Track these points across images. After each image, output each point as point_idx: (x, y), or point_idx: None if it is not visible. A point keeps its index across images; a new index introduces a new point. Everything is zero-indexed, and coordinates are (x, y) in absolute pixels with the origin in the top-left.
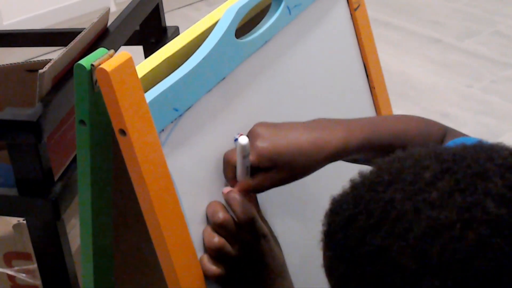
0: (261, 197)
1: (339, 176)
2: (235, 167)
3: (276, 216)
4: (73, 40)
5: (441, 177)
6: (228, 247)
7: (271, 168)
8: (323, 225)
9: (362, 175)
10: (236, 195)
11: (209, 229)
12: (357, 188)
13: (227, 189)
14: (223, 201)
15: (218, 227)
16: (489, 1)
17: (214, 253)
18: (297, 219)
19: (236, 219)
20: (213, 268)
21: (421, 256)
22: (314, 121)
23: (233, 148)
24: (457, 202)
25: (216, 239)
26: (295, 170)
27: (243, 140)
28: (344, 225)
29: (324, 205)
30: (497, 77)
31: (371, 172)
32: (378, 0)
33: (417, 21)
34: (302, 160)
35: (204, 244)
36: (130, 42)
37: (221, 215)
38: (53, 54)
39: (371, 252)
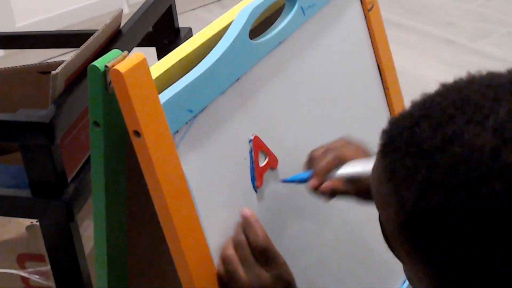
0: (276, 201)
1: None
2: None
3: (289, 220)
4: (86, 42)
5: None
6: (237, 266)
7: None
8: (381, 137)
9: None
10: (254, 220)
11: (231, 242)
12: (424, 98)
13: (246, 211)
14: (236, 203)
15: (237, 244)
16: (502, 2)
17: (223, 263)
18: (311, 222)
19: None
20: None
21: (498, 136)
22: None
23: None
24: None
25: (230, 252)
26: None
27: None
28: (414, 124)
29: (337, 207)
30: None
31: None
32: (391, 1)
33: (430, 22)
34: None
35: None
36: (143, 43)
37: (242, 236)
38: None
39: (444, 141)
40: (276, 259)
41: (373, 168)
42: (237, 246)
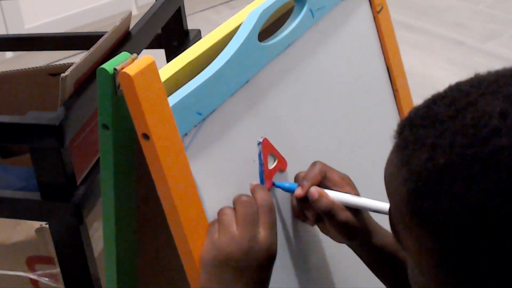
0: (284, 203)
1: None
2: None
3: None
4: (95, 44)
5: None
6: (214, 229)
7: None
8: (397, 125)
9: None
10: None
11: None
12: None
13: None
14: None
15: (218, 214)
16: (511, 3)
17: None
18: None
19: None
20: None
21: (508, 102)
22: None
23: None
24: None
25: (227, 209)
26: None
27: None
28: (430, 102)
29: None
30: None
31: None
32: (400, 2)
33: (439, 24)
34: None
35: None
36: (152, 45)
37: (226, 209)
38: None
39: (457, 110)
40: (274, 226)
41: (388, 159)
42: (240, 203)
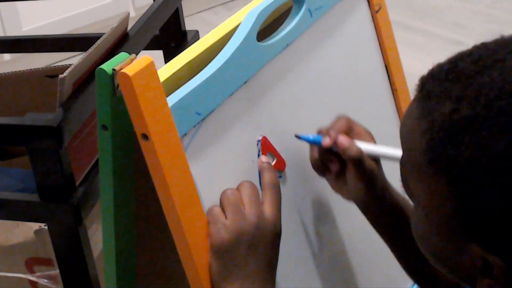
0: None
1: None
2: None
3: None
4: (93, 45)
5: None
6: (221, 213)
7: None
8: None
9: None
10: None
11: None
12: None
13: (265, 159)
14: None
15: (222, 197)
16: (510, 3)
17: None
18: (320, 223)
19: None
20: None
21: None
22: None
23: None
24: None
25: (215, 207)
26: None
27: None
28: (456, 59)
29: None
30: None
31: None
32: (399, 2)
33: (438, 23)
34: None
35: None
36: (150, 46)
37: (229, 190)
38: (73, 59)
39: (484, 67)
40: (279, 205)
41: (406, 112)
42: (243, 186)
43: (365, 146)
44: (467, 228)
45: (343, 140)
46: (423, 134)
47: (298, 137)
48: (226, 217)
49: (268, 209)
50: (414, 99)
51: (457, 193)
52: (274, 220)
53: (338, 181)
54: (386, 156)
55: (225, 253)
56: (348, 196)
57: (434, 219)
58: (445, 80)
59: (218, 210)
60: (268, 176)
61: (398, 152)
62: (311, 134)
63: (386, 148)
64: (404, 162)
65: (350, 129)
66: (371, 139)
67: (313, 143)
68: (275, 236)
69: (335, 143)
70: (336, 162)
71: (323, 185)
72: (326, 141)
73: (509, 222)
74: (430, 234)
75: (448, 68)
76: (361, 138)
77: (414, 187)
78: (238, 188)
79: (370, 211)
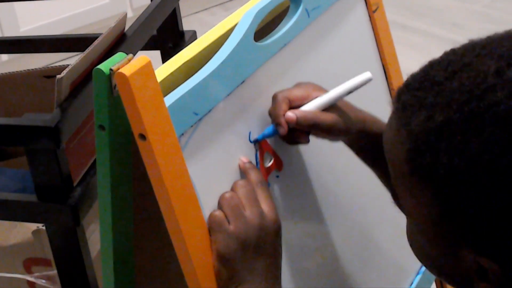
0: (281, 202)
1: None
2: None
3: (295, 221)
4: (91, 46)
5: None
6: (224, 220)
7: None
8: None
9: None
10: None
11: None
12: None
13: (245, 159)
14: None
15: (221, 202)
16: (507, 3)
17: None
18: (318, 223)
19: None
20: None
21: (503, 61)
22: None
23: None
24: None
25: (217, 212)
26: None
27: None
28: (427, 67)
29: (345, 207)
30: None
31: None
32: (396, 2)
33: (435, 23)
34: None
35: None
36: (148, 47)
37: (227, 193)
38: (70, 60)
39: (453, 72)
40: (272, 200)
41: (387, 125)
42: (238, 186)
43: (312, 105)
44: (456, 234)
45: (289, 117)
46: (402, 144)
47: (256, 140)
48: (229, 223)
49: (265, 207)
50: (392, 111)
51: (441, 200)
52: (273, 216)
53: (316, 134)
54: (339, 97)
55: (233, 260)
56: (333, 140)
57: (425, 228)
58: (418, 89)
59: (220, 215)
60: (253, 175)
61: (343, 88)
62: (265, 129)
63: (334, 91)
64: (391, 175)
65: (290, 101)
66: (314, 90)
67: (272, 136)
68: (277, 231)
69: (287, 124)
70: (303, 133)
71: (320, 185)
72: (282, 130)
73: (495, 223)
74: (423, 243)
75: (421, 77)
76: (305, 100)
77: (402, 198)
78: (233, 189)
79: (356, 149)
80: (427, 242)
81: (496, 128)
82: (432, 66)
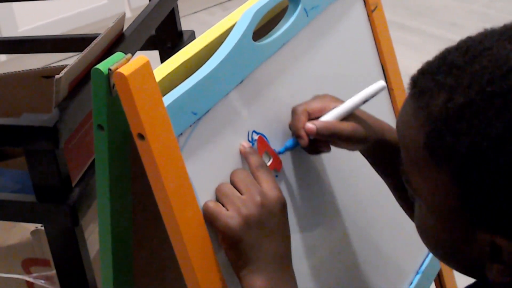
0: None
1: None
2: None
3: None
4: (89, 46)
5: None
6: (219, 207)
7: None
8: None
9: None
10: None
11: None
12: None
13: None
14: None
15: (216, 193)
16: (506, 2)
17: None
18: (317, 222)
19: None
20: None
21: None
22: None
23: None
24: None
25: (209, 203)
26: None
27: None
28: (445, 53)
29: (345, 207)
30: None
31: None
32: (394, 2)
33: (434, 23)
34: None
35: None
36: (146, 47)
37: (221, 184)
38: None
39: (474, 56)
40: (274, 180)
41: (401, 110)
42: (234, 174)
43: (331, 116)
44: (473, 216)
45: (309, 128)
46: (420, 128)
47: (278, 153)
48: (227, 210)
49: (266, 186)
50: (407, 98)
51: (460, 182)
52: (275, 194)
53: (336, 144)
54: (355, 106)
55: (238, 242)
56: (351, 149)
57: (439, 213)
58: (436, 74)
59: (214, 204)
60: (253, 159)
61: (360, 97)
62: (286, 142)
63: (350, 100)
64: (403, 161)
65: (310, 113)
66: (331, 102)
67: (295, 147)
68: (281, 207)
69: (308, 135)
70: (324, 143)
71: (319, 185)
72: (303, 142)
73: None
74: (436, 230)
75: (439, 63)
76: (323, 111)
77: (416, 184)
78: (231, 177)
79: (372, 159)
80: (440, 226)
81: None
82: (449, 52)
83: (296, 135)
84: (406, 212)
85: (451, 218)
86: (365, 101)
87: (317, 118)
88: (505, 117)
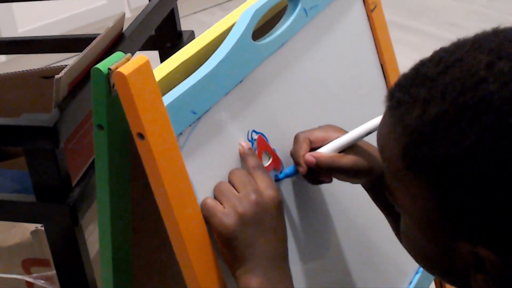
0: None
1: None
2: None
3: (294, 220)
4: (89, 46)
5: None
6: (216, 203)
7: None
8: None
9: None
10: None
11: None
12: None
13: (245, 144)
14: None
15: (214, 191)
16: (505, 2)
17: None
18: (317, 222)
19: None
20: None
21: (493, 54)
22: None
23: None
24: None
25: (208, 200)
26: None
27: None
28: (419, 65)
29: (343, 208)
30: None
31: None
32: (394, 2)
33: (433, 23)
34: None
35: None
36: (146, 47)
37: (218, 183)
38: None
39: (445, 67)
40: (271, 180)
41: (380, 123)
42: (231, 173)
43: (330, 147)
44: (452, 226)
45: (308, 160)
46: (397, 140)
47: (277, 179)
48: (224, 207)
49: (262, 184)
50: (385, 110)
51: (437, 192)
52: (271, 192)
53: (337, 176)
54: (357, 138)
55: (233, 239)
56: (352, 182)
57: (420, 223)
58: (411, 86)
59: (211, 201)
60: (251, 160)
61: (362, 130)
62: (287, 169)
63: (353, 132)
64: (385, 173)
65: (312, 142)
66: (334, 132)
67: (294, 174)
68: (277, 206)
69: (307, 165)
70: (326, 174)
71: (319, 185)
72: (302, 170)
73: (492, 212)
74: (419, 240)
75: (412, 75)
76: (325, 141)
77: (397, 194)
78: (228, 177)
79: (373, 194)
80: (423, 238)
81: (490, 118)
82: (423, 64)
83: (296, 163)
84: (390, 200)
85: (433, 229)
86: (368, 133)
87: (319, 147)
88: (477, 128)
